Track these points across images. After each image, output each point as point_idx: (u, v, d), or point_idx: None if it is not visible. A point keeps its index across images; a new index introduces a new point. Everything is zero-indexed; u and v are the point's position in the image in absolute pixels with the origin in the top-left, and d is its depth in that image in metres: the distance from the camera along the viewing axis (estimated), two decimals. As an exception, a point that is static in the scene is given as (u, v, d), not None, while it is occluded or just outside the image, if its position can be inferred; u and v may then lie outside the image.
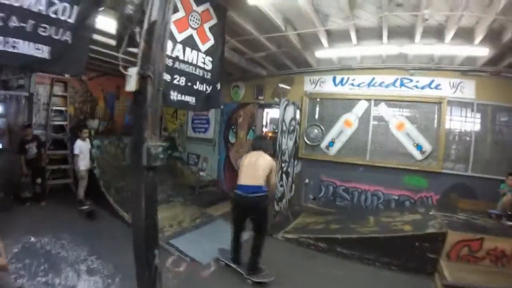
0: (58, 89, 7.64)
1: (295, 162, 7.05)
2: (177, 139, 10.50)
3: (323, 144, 6.98)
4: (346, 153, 6.76)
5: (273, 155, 5.07)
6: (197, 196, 8.10)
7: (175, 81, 4.06)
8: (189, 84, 4.30)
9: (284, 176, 6.39)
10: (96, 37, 3.96)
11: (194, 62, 4.34)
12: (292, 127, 6.64)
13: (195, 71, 4.38)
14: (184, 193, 8.15)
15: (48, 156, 7.14)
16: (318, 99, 7.14)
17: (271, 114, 10.99)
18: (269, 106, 8.37)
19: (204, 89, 4.61)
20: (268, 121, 12.21)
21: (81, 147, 6.45)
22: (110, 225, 5.82)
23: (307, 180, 7.17)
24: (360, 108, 6.61)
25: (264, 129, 11.65)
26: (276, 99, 7.41)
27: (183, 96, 4.23)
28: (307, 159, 7.17)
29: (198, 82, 4.47)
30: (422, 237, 4.41)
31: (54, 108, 7.54)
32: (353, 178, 6.65)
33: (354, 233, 5.03)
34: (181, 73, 4.14)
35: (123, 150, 8.87)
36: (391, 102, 6.45)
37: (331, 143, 6.90)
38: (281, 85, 7.31)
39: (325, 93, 6.99)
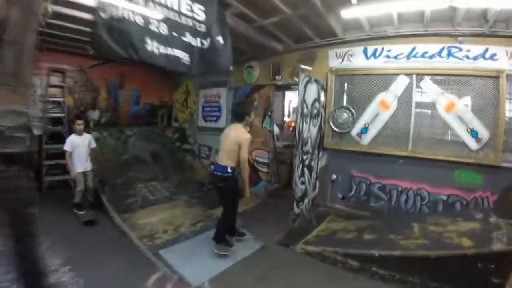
0: (55, 80, 7.25)
1: (320, 154, 5.82)
2: (188, 129, 9.53)
3: (354, 131, 5.66)
4: (383, 142, 5.41)
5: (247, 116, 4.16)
6: (205, 193, 7.07)
7: (151, 27, 3.48)
8: (175, 34, 3.69)
9: (306, 171, 5.20)
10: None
11: (176, 7, 3.65)
12: (315, 111, 5.40)
13: (180, 19, 3.71)
14: (190, 190, 7.17)
15: (45, 150, 6.80)
16: (347, 76, 5.79)
17: (294, 102, 9.82)
18: (288, 87, 7.15)
19: (199, 44, 3.95)
20: (291, 110, 10.98)
21: (75, 142, 5.40)
22: (101, 228, 5.07)
23: (334, 176, 5.90)
24: (399, 85, 5.26)
25: (287, 119, 10.48)
26: (296, 79, 6.20)
27: (168, 49, 3.65)
28: (334, 149, 5.88)
29: (188, 34, 3.82)
30: (487, 256, 3.18)
31: (51, 99, 7.11)
32: (391, 174, 5.33)
33: (395, 247, 3.79)
34: (158, 16, 3.56)
35: (125, 142, 8.05)
36: (438, 77, 5.04)
37: (364, 130, 5.58)
38: (302, 66, 6.03)
39: (354, 69, 5.65)
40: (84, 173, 5.48)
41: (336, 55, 5.83)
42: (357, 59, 5.62)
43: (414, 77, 5.16)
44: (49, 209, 5.28)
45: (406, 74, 5.20)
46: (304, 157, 5.07)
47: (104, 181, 6.61)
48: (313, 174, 5.51)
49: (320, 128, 5.70)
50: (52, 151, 6.91)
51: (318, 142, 5.67)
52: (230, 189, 4.01)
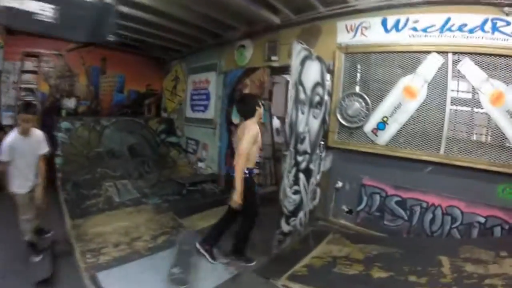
0: (29, 65, 6.89)
1: (323, 154, 4.54)
2: (176, 120, 8.38)
3: (369, 126, 4.31)
4: (406, 142, 4.06)
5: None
6: (183, 196, 5.89)
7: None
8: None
9: (301, 176, 3.93)
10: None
11: None
12: (317, 98, 4.11)
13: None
14: (167, 191, 6.01)
15: None
16: (360, 55, 4.42)
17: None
18: (287, 70, 5.71)
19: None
20: None
21: (16, 147, 3.24)
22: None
23: (339, 184, 4.57)
24: (429, 66, 3.91)
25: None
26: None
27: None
28: (341, 149, 4.56)
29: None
30: None
31: (24, 86, 6.75)
32: (415, 184, 4.01)
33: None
34: None
35: (100, 134, 6.92)
36: (481, 58, 3.69)
37: (382, 125, 4.23)
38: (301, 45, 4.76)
39: (370, 45, 4.30)
40: (30, 194, 3.42)
41: (347, 28, 4.50)
42: (374, 32, 4.28)
43: (449, 56, 3.82)
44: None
45: (439, 52, 3.86)
46: (300, 158, 3.80)
47: (67, 177, 5.74)
48: (312, 179, 4.23)
49: (323, 121, 4.41)
50: None
51: (321, 138, 4.39)
52: (246, 192, 3.30)
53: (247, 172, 3.28)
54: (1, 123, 6.28)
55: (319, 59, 4.12)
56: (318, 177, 4.43)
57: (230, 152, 6.29)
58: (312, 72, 3.96)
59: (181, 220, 4.73)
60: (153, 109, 9.14)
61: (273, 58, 5.41)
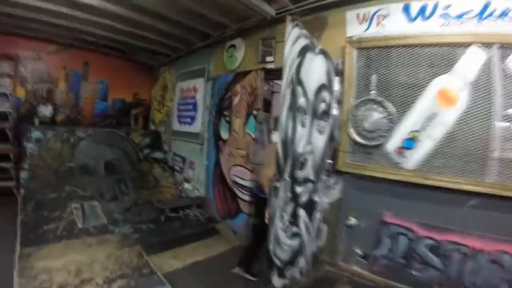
0: (6, 67, 6.24)
1: (330, 181, 3.51)
2: (164, 134, 7.43)
3: (392, 144, 3.19)
4: (443, 166, 2.98)
5: None
6: (160, 225, 4.88)
7: None
8: None
9: (302, 213, 2.89)
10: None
11: None
12: (323, 106, 3.11)
13: None
14: (141, 218, 5.04)
15: None
16: (377, 50, 3.35)
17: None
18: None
19: None
20: None
21: None
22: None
23: (352, 220, 3.43)
24: (470, 62, 2.90)
25: None
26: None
27: None
28: (355, 175, 3.43)
29: None
30: None
31: None
32: (453, 223, 2.94)
33: None
34: None
35: (73, 146, 6.00)
36: None
37: (410, 143, 3.10)
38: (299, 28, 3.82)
39: (390, 37, 3.26)
40: None
41: (358, 17, 3.52)
42: (394, 22, 3.28)
43: (495, 49, 2.83)
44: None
45: (482, 45, 2.88)
46: (299, 189, 2.78)
47: (30, 195, 5.02)
48: (317, 214, 3.20)
49: (331, 138, 3.40)
50: None
51: (327, 160, 3.37)
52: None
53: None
54: None
55: (324, 53, 3.14)
56: (323, 210, 3.40)
57: (218, 173, 5.31)
58: (316, 70, 2.99)
59: (149, 258, 3.77)
60: (141, 121, 8.22)
61: (268, 59, 4.46)
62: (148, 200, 5.68)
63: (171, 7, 4.43)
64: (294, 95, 2.55)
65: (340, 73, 3.52)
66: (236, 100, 4.98)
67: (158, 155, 7.18)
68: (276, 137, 6.28)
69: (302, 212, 2.89)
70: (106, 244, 4.06)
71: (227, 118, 5.16)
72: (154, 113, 8.13)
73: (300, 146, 2.67)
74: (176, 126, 6.88)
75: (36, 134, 5.88)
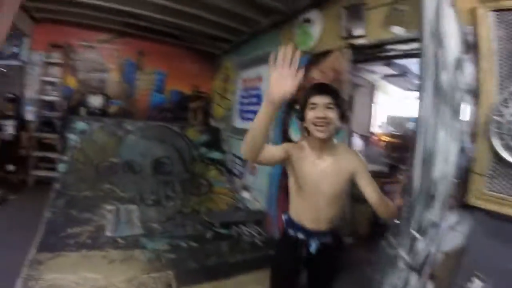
0: (56, 56, 6.09)
1: (451, 219, 2.03)
2: (224, 131, 6.54)
3: None
4: None
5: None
6: (205, 244, 3.89)
7: None
8: None
9: (411, 279, 1.60)
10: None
11: None
12: (458, 96, 1.77)
13: None
14: (183, 231, 4.11)
15: (36, 139, 5.79)
16: None
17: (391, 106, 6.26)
18: (381, 53, 3.15)
19: None
20: (386, 120, 6.83)
21: None
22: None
23: (476, 283, 1.93)
24: None
25: (375, 130, 6.40)
26: (397, 30, 2.68)
27: None
28: (493, 213, 1.86)
29: None
30: None
31: (46, 79, 6.00)
32: None
33: None
34: None
35: (120, 140, 5.31)
36: None
37: None
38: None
39: None
40: None
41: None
42: None
43: None
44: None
45: None
46: (421, 245, 1.48)
47: (63, 191, 4.52)
48: (425, 269, 1.84)
49: (462, 150, 2.00)
50: (44, 141, 5.88)
51: (450, 187, 1.98)
52: None
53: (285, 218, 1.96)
54: (24, 120, 5.86)
55: (455, 9, 1.82)
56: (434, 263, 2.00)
57: (284, 183, 4.16)
58: (452, 32, 1.68)
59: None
60: (200, 115, 7.45)
61: (356, 32, 3.17)
62: (196, 210, 4.77)
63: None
64: (437, 63, 1.27)
65: (470, 47, 2.10)
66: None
67: (215, 155, 6.30)
68: (357, 141, 5.09)
69: (413, 279, 1.60)
70: (131, 262, 3.21)
71: (299, 115, 3.99)
72: (215, 108, 7.31)
73: (438, 168, 1.38)
74: (238, 122, 5.92)
75: (80, 125, 5.41)
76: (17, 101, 5.72)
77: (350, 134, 4.52)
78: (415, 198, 1.25)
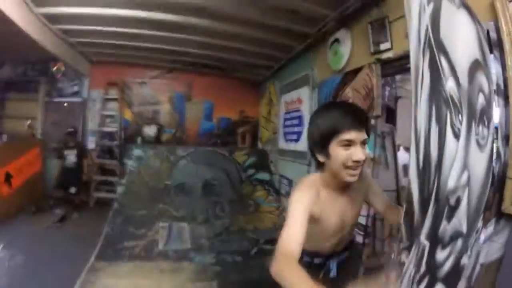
0: (113, 93, 7.11)
1: (488, 230, 1.93)
2: (271, 153, 6.79)
3: None
4: None
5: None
6: (249, 259, 4.11)
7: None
8: None
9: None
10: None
11: None
12: (481, 98, 1.63)
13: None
14: (229, 247, 4.37)
15: (97, 165, 6.84)
16: None
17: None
18: (406, 65, 3.29)
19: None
20: None
21: None
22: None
23: None
24: None
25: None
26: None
27: None
28: None
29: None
30: None
31: (105, 113, 7.05)
32: None
33: None
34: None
35: (172, 165, 5.81)
36: None
37: None
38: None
39: None
40: None
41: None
42: None
43: None
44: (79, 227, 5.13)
45: None
46: (442, 254, 1.43)
47: (121, 209, 5.08)
48: (460, 284, 1.79)
49: (493, 155, 1.92)
50: (104, 167, 6.86)
51: (486, 195, 1.90)
52: None
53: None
54: (85, 148, 6.73)
55: (468, 9, 1.84)
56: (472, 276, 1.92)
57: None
58: (462, 35, 1.71)
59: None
60: (248, 139, 7.81)
61: (383, 46, 3.28)
62: (243, 228, 4.99)
63: (260, 10, 3.92)
64: (435, 70, 1.34)
65: (495, 44, 2.10)
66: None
67: (263, 176, 6.51)
68: (403, 156, 4.95)
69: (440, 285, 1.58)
70: (180, 273, 3.55)
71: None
72: (262, 131, 7.62)
73: (452, 176, 1.38)
74: (282, 144, 6.12)
75: (137, 152, 6.07)
76: (76, 133, 6.49)
77: (394, 147, 4.48)
78: (415, 208, 1.30)
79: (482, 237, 1.95)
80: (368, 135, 1.38)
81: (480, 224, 1.76)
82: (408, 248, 1.32)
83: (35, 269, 3.52)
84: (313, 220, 1.40)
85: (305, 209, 1.34)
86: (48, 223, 5.11)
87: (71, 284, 3.08)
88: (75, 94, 7.11)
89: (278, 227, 5.09)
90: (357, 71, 3.73)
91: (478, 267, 1.90)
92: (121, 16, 4.32)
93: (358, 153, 1.30)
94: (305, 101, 5.17)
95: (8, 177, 5.22)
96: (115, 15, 4.29)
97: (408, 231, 1.31)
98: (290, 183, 5.68)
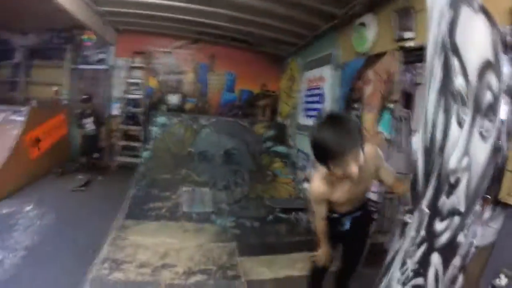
0: (138, 61, 7.28)
1: (484, 215, 2.17)
2: (289, 127, 7.04)
3: None
4: None
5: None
6: (265, 224, 4.49)
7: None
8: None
9: (435, 258, 1.75)
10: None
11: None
12: (488, 96, 1.79)
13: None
14: (248, 213, 4.75)
15: (122, 131, 7.13)
16: None
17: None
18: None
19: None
20: None
21: None
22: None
23: (504, 281, 2.00)
24: None
25: None
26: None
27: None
28: None
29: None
30: None
31: (130, 81, 7.20)
32: None
33: None
34: None
35: (195, 133, 6.17)
36: None
37: None
38: None
39: None
40: None
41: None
42: None
43: None
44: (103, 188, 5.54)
45: None
46: (440, 226, 1.72)
47: (146, 173, 5.46)
48: (456, 260, 2.06)
49: (496, 148, 2.13)
50: (128, 133, 7.12)
51: (488, 183, 2.12)
52: None
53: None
54: (102, 115, 6.96)
55: (486, 14, 2.00)
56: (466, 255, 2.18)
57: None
58: (477, 38, 1.89)
59: (240, 259, 3.37)
60: (268, 113, 8.03)
61: (407, 35, 3.42)
62: (261, 196, 5.35)
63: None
64: (447, 69, 1.57)
65: (510, 47, 2.25)
66: (368, 90, 4.07)
67: (281, 149, 6.80)
68: (416, 141, 5.10)
69: (436, 258, 1.87)
70: (202, 233, 3.93)
71: (357, 113, 4.31)
72: (282, 106, 7.82)
73: (453, 158, 1.64)
74: (302, 119, 6.34)
75: (162, 119, 6.43)
76: (90, 99, 6.44)
77: (410, 132, 4.66)
78: (419, 179, 1.57)
79: (479, 221, 2.22)
80: (361, 145, 1.60)
81: (478, 208, 2.03)
82: (411, 211, 1.64)
83: (66, 226, 3.82)
84: (328, 199, 1.95)
85: (322, 198, 1.96)
86: (74, 186, 5.33)
87: (102, 240, 3.43)
88: (101, 61, 7.27)
89: (292, 197, 5.45)
90: (379, 55, 3.88)
91: (472, 248, 2.18)
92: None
93: (352, 168, 1.56)
94: (327, 79, 5.32)
95: (36, 141, 5.52)
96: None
97: (412, 197, 1.63)
98: (308, 157, 5.95)
